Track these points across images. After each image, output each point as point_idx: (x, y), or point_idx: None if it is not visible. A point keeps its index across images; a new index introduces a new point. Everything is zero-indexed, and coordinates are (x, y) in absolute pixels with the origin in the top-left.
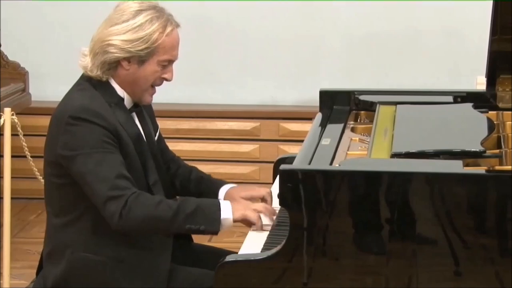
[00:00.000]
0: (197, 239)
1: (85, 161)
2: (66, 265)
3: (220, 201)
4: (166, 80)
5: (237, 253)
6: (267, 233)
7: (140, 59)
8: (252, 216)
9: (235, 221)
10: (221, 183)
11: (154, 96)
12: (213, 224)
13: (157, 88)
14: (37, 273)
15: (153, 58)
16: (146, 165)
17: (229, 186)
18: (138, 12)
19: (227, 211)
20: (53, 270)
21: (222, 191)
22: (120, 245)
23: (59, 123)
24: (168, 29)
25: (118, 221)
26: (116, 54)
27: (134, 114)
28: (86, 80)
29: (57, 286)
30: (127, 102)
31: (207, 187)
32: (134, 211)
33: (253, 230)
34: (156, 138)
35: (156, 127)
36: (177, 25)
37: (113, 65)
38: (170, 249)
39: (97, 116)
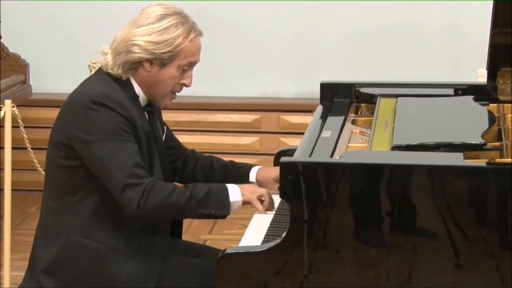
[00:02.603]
0: (193, 232)
1: (102, 146)
2: (60, 248)
3: (228, 186)
4: (185, 85)
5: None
6: (269, 223)
7: (162, 61)
8: (257, 205)
9: (244, 203)
10: (248, 166)
11: None
12: (223, 208)
13: None
14: None
15: (174, 62)
16: (153, 162)
17: (257, 168)
18: (164, 16)
19: (235, 194)
20: (45, 253)
21: (253, 173)
22: (116, 232)
23: (77, 106)
24: (192, 35)
25: (136, 209)
26: (139, 54)
27: (145, 113)
28: (105, 74)
29: (49, 270)
30: (142, 100)
31: (235, 173)
32: (151, 199)
33: (258, 212)
34: (163, 138)
35: (163, 128)
36: (200, 34)
37: (134, 65)
38: (166, 239)
39: (118, 104)
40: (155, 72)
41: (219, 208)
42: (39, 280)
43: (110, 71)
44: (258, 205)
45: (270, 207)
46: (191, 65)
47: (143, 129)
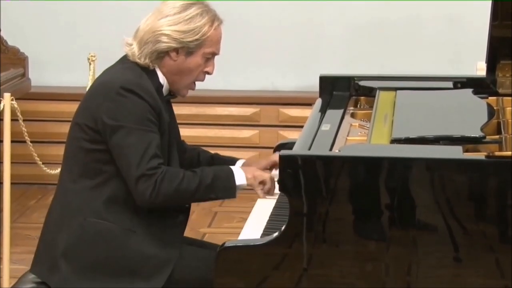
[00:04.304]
0: (193, 226)
1: (125, 134)
2: (76, 230)
3: (233, 169)
4: (208, 73)
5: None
6: (268, 216)
7: (188, 50)
8: (258, 191)
9: (248, 185)
10: (233, 159)
11: None
12: (230, 192)
13: None
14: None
15: (200, 50)
16: (171, 151)
17: (242, 161)
18: (189, 5)
19: (240, 177)
20: (62, 236)
21: (238, 166)
22: (133, 215)
23: (107, 90)
24: (216, 23)
25: (148, 199)
26: (167, 44)
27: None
28: (132, 62)
29: (69, 252)
30: (164, 90)
31: (221, 164)
32: (162, 189)
33: (261, 198)
34: None
35: None
36: (222, 22)
37: (161, 55)
38: (184, 224)
39: (147, 92)
40: (181, 61)
41: (226, 192)
42: (57, 264)
43: (137, 61)
44: (259, 191)
45: (271, 192)
46: (214, 55)
47: (165, 119)
